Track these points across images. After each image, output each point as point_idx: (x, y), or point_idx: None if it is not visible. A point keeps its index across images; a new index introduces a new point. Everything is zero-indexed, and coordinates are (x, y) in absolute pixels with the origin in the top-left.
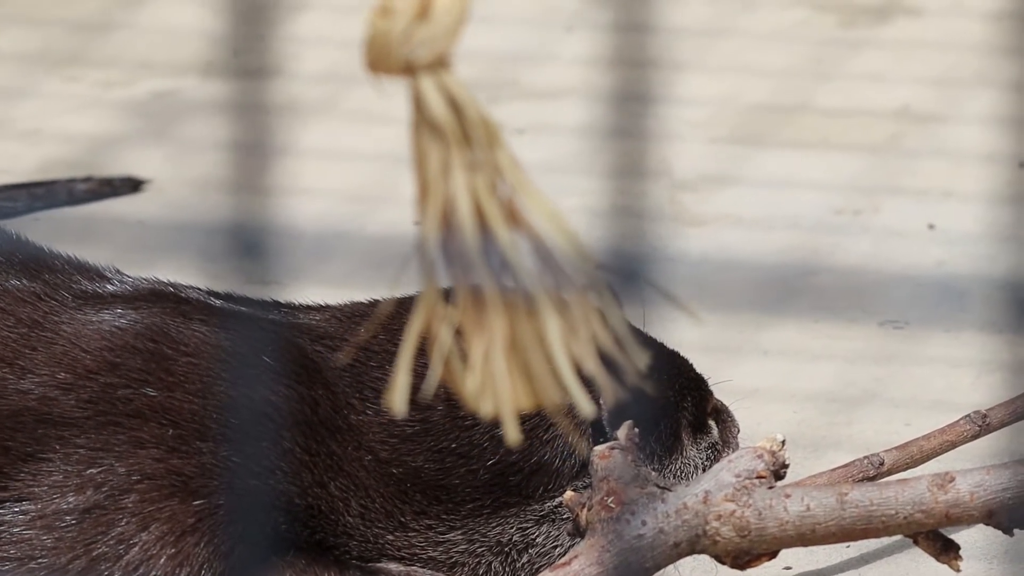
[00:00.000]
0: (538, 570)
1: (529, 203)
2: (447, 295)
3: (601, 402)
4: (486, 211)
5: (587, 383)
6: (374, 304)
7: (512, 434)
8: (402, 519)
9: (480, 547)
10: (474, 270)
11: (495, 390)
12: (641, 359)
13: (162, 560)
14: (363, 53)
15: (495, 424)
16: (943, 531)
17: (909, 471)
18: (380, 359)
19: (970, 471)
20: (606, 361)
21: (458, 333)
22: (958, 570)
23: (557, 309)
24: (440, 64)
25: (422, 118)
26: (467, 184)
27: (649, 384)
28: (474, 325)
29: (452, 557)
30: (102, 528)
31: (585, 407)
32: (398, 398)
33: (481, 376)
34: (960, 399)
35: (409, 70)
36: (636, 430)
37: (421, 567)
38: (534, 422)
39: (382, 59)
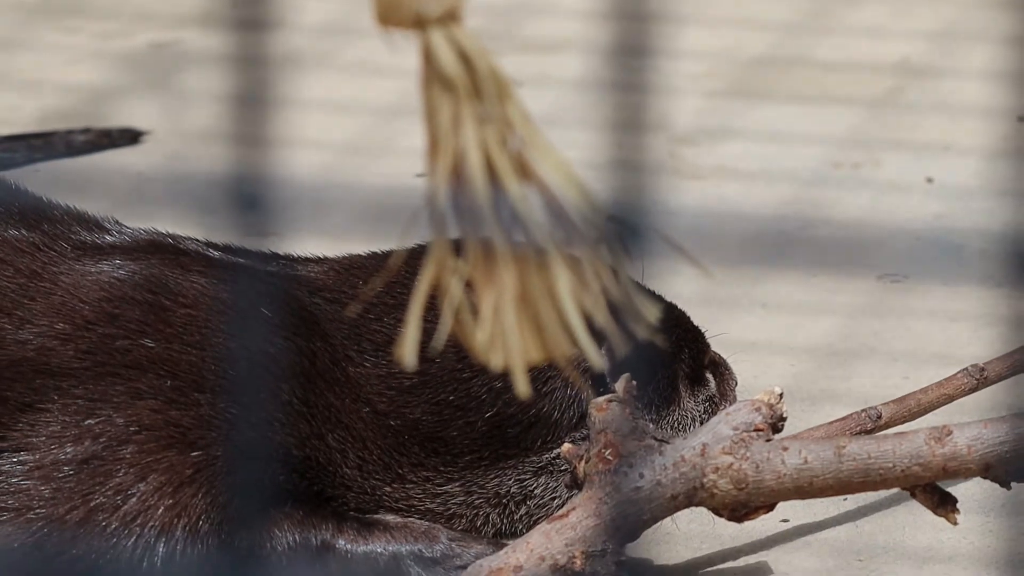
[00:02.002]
0: (536, 522)
1: (540, 156)
2: (457, 248)
3: (614, 349)
4: (497, 164)
5: (597, 334)
6: (373, 256)
7: (522, 386)
8: (400, 471)
9: (478, 499)
10: (484, 223)
11: (505, 343)
12: (651, 312)
13: (160, 511)
14: (373, 6)
15: (496, 376)
16: (940, 484)
17: (907, 424)
18: (378, 311)
19: (968, 424)
20: (615, 314)
21: (468, 286)
22: (955, 523)
23: (567, 262)
24: (450, 17)
25: (432, 72)
26: (478, 137)
27: (658, 337)
28: (484, 278)
29: (450, 509)
30: (100, 479)
31: (595, 360)
32: (408, 350)
33: (491, 329)
34: (958, 352)
35: (419, 23)
36: (634, 382)
37: (419, 519)
38: (533, 374)
39: (392, 12)
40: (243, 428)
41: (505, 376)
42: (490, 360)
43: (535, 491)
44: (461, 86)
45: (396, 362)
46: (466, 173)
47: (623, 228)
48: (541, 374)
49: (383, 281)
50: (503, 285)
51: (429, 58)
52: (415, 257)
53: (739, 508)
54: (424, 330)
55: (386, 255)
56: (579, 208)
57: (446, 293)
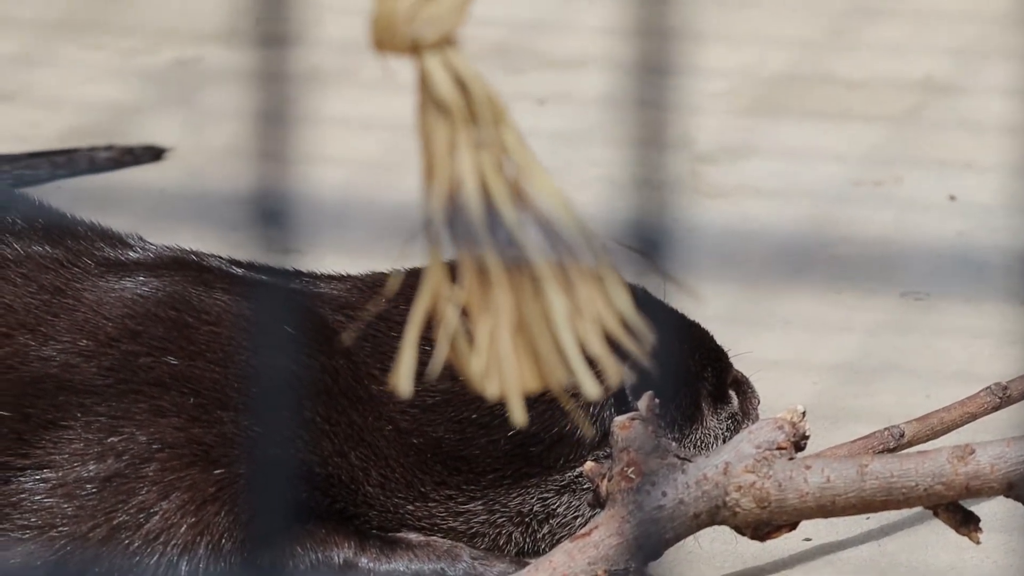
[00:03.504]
0: (558, 540)
1: (534, 182)
2: (453, 273)
3: (610, 376)
4: (492, 190)
5: (593, 362)
6: (402, 273)
7: (517, 415)
8: (422, 489)
9: (500, 517)
10: (480, 248)
11: (501, 370)
12: (646, 338)
13: (182, 529)
14: (369, 32)
15: (502, 404)
16: (963, 503)
17: (929, 443)
18: (400, 329)
19: (990, 443)
20: (612, 341)
21: (464, 313)
22: (978, 542)
23: (563, 289)
24: (446, 42)
25: (428, 96)
26: (473, 163)
27: (664, 361)
28: (480, 305)
29: (472, 527)
30: (123, 497)
31: (590, 388)
32: (404, 376)
33: (487, 356)
34: (981, 370)
35: (415, 49)
36: (656, 401)
37: (441, 537)
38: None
39: (388, 37)
40: (266, 446)
41: (529, 396)
42: (486, 388)
43: (558, 510)
44: (457, 111)
45: (398, 387)
46: (462, 198)
47: (631, 248)
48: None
49: (383, 302)
50: (499, 311)
51: (425, 83)
52: (420, 281)
53: (762, 527)
54: (426, 355)
55: (409, 272)
56: (574, 233)
57: (442, 319)
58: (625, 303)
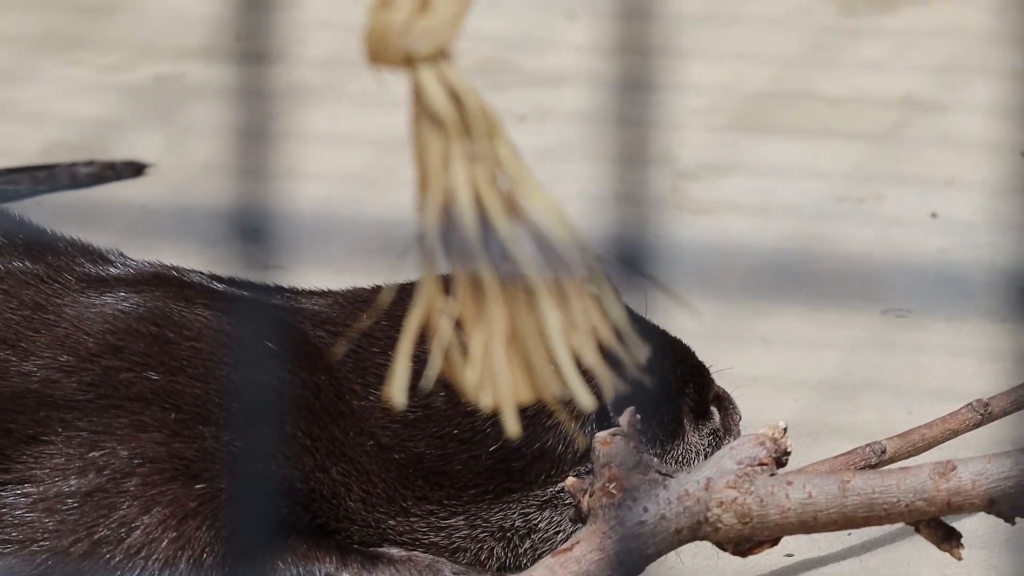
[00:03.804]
0: (540, 555)
1: (529, 195)
2: (447, 286)
3: (604, 389)
4: (486, 202)
5: (588, 374)
6: (376, 289)
7: (512, 426)
8: (404, 504)
9: (482, 532)
10: (474, 261)
11: (495, 382)
12: (640, 351)
13: (164, 543)
14: (363, 45)
15: (496, 415)
16: (945, 519)
17: (911, 459)
18: (383, 345)
19: (972, 459)
20: (606, 353)
21: (458, 325)
22: (960, 558)
23: (557, 301)
24: (440, 56)
25: (422, 109)
26: (467, 175)
27: (648, 376)
28: (474, 317)
29: (454, 542)
30: (104, 511)
31: (585, 400)
32: (397, 389)
33: (481, 368)
34: (962, 387)
35: (409, 62)
36: (638, 416)
37: (423, 552)
38: (536, 408)
39: (382, 51)
40: (247, 461)
41: (521, 408)
42: (480, 400)
43: (539, 525)
44: (451, 124)
45: (391, 400)
46: (456, 211)
47: (615, 264)
48: (545, 408)
49: (376, 315)
50: (493, 324)
51: (419, 96)
52: (412, 291)
53: (743, 542)
54: (418, 368)
55: (392, 288)
56: (568, 246)
57: (436, 332)
58: (620, 316)
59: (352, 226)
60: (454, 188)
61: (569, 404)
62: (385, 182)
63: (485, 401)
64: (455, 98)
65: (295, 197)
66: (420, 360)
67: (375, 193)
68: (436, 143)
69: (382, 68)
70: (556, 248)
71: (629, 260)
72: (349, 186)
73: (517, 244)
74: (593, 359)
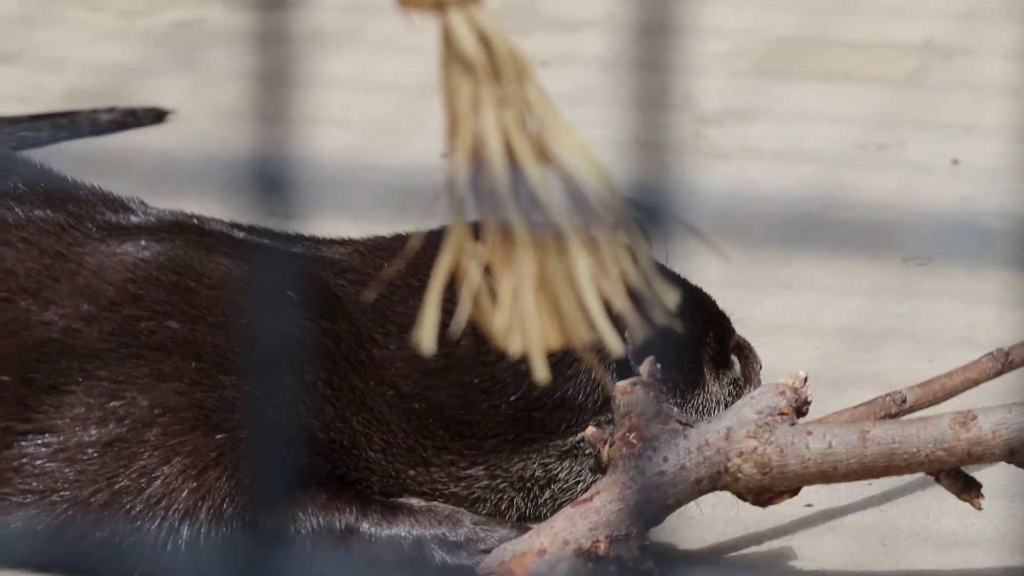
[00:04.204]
0: (560, 506)
1: (559, 138)
2: (476, 231)
3: (626, 337)
4: (516, 147)
5: (616, 320)
6: (397, 238)
7: (540, 371)
8: (424, 454)
9: (502, 482)
10: (504, 206)
11: (524, 328)
12: (670, 297)
13: (184, 493)
14: None
15: (520, 360)
16: (965, 469)
17: (931, 408)
18: (403, 294)
19: (992, 409)
20: (635, 299)
21: (487, 270)
22: (980, 508)
23: (586, 246)
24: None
25: (452, 53)
26: (497, 120)
27: (677, 322)
28: (503, 262)
29: (474, 492)
30: (124, 461)
31: (614, 345)
32: (427, 334)
33: (510, 314)
34: (983, 336)
35: (439, 5)
36: (658, 366)
37: (443, 502)
38: (557, 357)
39: None
40: (267, 410)
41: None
42: (509, 345)
43: (559, 475)
44: (480, 68)
45: (421, 345)
46: (485, 155)
47: (644, 212)
48: (566, 357)
49: (402, 264)
50: (522, 269)
51: (448, 40)
52: (438, 239)
53: (763, 492)
54: (445, 314)
55: (412, 236)
56: (598, 191)
57: (465, 277)
58: (649, 262)
59: (374, 174)
60: (484, 133)
61: (598, 350)
62: (408, 129)
63: (514, 347)
64: (485, 42)
65: (316, 144)
66: (448, 306)
67: (398, 140)
68: (466, 87)
69: (412, 12)
70: (586, 193)
71: (653, 205)
72: (371, 133)
73: (547, 189)
74: (622, 304)
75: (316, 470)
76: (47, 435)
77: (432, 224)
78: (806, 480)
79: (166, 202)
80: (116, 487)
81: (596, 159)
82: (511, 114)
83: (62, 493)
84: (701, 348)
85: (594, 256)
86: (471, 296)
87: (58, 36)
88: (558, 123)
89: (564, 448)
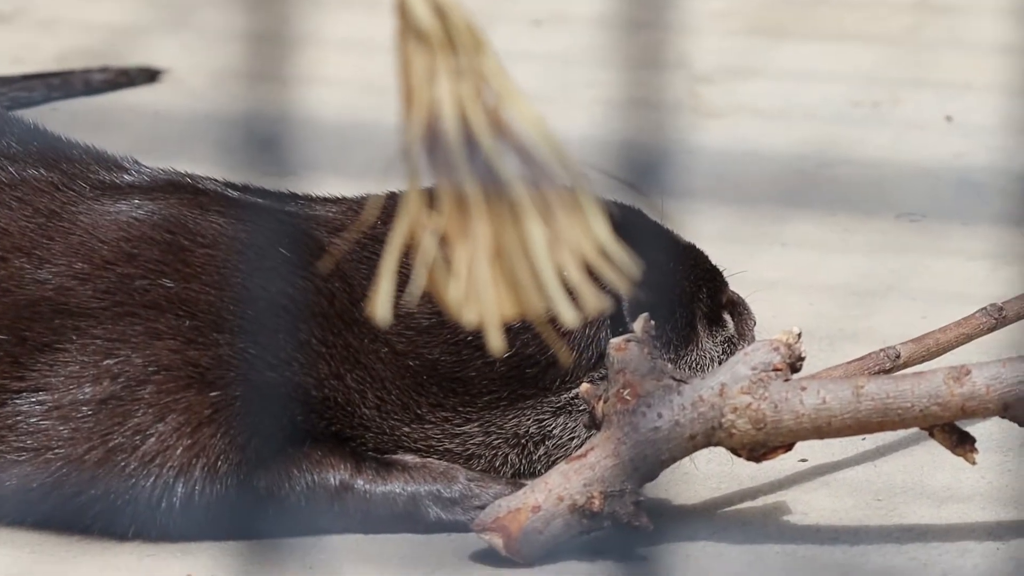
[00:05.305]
0: (554, 462)
1: (514, 109)
2: (432, 201)
3: (587, 305)
4: (471, 118)
5: (572, 290)
6: (391, 196)
7: (495, 342)
8: (418, 411)
9: (496, 439)
10: (459, 177)
11: (479, 297)
12: (627, 265)
13: (178, 451)
14: None
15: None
16: (959, 424)
17: (925, 364)
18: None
19: (986, 364)
20: (592, 268)
21: (442, 240)
22: (974, 462)
23: (541, 216)
24: None
25: (407, 25)
26: (452, 91)
27: (649, 285)
28: (458, 232)
29: (468, 449)
30: (118, 419)
31: (568, 316)
32: (382, 304)
33: (465, 284)
34: (977, 291)
35: None
36: (652, 322)
37: (437, 459)
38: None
39: None
40: (262, 368)
41: (523, 317)
42: (464, 315)
43: (554, 431)
44: (435, 39)
45: (376, 315)
46: (441, 126)
47: (628, 177)
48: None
49: (360, 227)
50: (477, 239)
51: (404, 11)
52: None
53: (757, 448)
54: (404, 281)
55: (394, 195)
56: (553, 162)
57: (420, 247)
58: (603, 230)
59: (369, 133)
60: (439, 104)
61: (554, 319)
62: None
63: (469, 317)
64: (440, 13)
65: (311, 103)
66: (407, 274)
67: (393, 99)
68: (421, 58)
69: None
70: (541, 163)
71: (618, 175)
72: (366, 92)
73: (502, 160)
74: (577, 274)
75: (310, 427)
76: (41, 393)
77: (391, 187)
78: (800, 436)
79: (159, 161)
80: (110, 445)
81: (550, 130)
82: (466, 85)
83: (56, 451)
84: (695, 304)
85: (549, 224)
86: (426, 266)
87: None
88: (513, 94)
89: (558, 404)
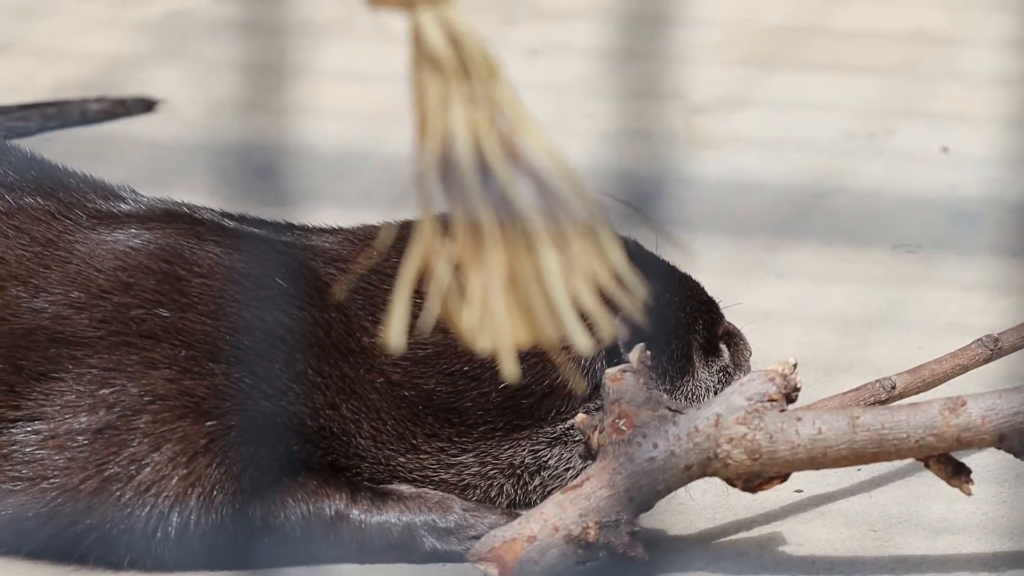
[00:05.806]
0: (550, 492)
1: (527, 137)
2: (445, 228)
3: (617, 325)
4: (485, 146)
5: (586, 317)
6: (394, 226)
7: (509, 369)
8: (414, 441)
9: (492, 469)
10: (473, 204)
11: (493, 325)
12: (640, 293)
13: (174, 481)
14: None
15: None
16: (954, 455)
17: (921, 395)
18: (392, 282)
19: (982, 395)
20: (605, 296)
21: (456, 268)
22: (969, 493)
23: (555, 244)
24: None
25: (421, 52)
26: (466, 119)
27: (653, 315)
28: (473, 260)
29: (464, 479)
30: (114, 448)
31: (582, 343)
32: (395, 332)
33: (479, 311)
34: (972, 322)
35: (409, 4)
36: (648, 353)
37: (433, 489)
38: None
39: None
40: (257, 398)
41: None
42: (478, 342)
43: (549, 462)
44: (449, 67)
45: (389, 342)
46: (454, 154)
47: (624, 201)
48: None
49: (373, 254)
50: (491, 267)
51: (418, 39)
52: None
53: (753, 478)
54: (419, 310)
55: (401, 225)
56: (567, 189)
57: (434, 275)
58: (618, 257)
59: (365, 163)
60: (453, 131)
61: (568, 347)
62: (398, 118)
63: (483, 344)
64: (454, 41)
65: (307, 133)
66: (420, 302)
67: (389, 130)
68: (435, 86)
69: (382, 9)
70: (555, 191)
71: (626, 199)
72: (362, 122)
73: (515, 186)
74: (591, 301)
75: (306, 457)
76: (37, 422)
77: (410, 214)
78: (795, 466)
79: (156, 191)
80: (106, 474)
81: (564, 158)
82: (480, 112)
83: (52, 480)
84: (691, 335)
85: (563, 252)
86: (440, 294)
87: (49, 26)
88: (527, 122)
89: (554, 435)
